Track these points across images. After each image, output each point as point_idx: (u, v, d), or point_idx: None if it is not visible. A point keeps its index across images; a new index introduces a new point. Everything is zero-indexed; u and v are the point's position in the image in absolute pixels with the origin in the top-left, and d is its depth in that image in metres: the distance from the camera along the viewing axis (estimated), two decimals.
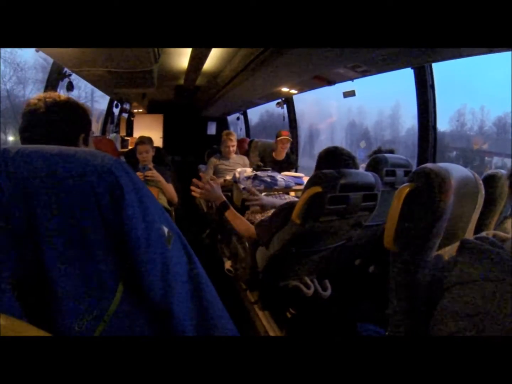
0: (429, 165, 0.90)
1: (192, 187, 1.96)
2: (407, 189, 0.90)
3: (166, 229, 0.60)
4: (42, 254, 0.48)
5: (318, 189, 1.53)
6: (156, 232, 0.58)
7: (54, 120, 1.07)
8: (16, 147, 0.53)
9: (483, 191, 1.03)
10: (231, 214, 2.05)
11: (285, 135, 3.94)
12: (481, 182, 1.03)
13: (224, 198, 2.04)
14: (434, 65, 2.27)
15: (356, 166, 1.73)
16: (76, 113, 1.12)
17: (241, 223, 2.02)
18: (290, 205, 1.71)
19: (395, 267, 0.93)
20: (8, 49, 12.44)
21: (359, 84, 2.92)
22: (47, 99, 1.08)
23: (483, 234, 0.82)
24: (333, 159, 1.71)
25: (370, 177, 1.67)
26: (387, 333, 0.98)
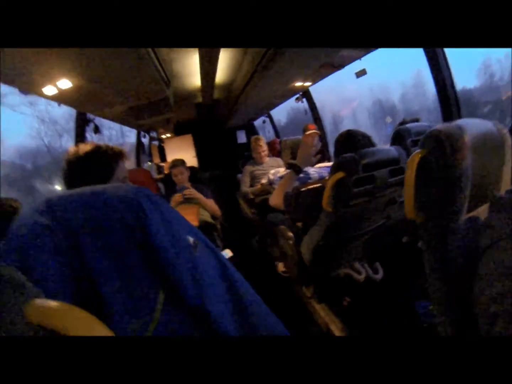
0: (438, 126, 0.86)
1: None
2: (419, 156, 0.87)
3: (191, 239, 0.68)
4: (91, 274, 0.56)
5: (341, 174, 1.53)
6: (182, 243, 0.65)
7: (77, 170, 1.29)
8: (57, 194, 0.62)
9: (509, 141, 0.96)
10: (289, 179, 2.11)
11: (312, 128, 3.85)
12: (506, 132, 0.97)
13: (298, 165, 2.13)
14: None
15: (372, 145, 1.72)
16: (93, 162, 1.31)
17: (282, 190, 2.06)
18: (316, 190, 1.73)
19: (423, 238, 0.90)
20: (43, 107, 13.26)
21: (376, 60, 2.88)
22: (70, 154, 1.31)
23: None
24: (349, 142, 1.72)
25: (393, 151, 1.64)
26: (430, 307, 0.95)
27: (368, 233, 1.93)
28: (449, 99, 2.21)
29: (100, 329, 0.42)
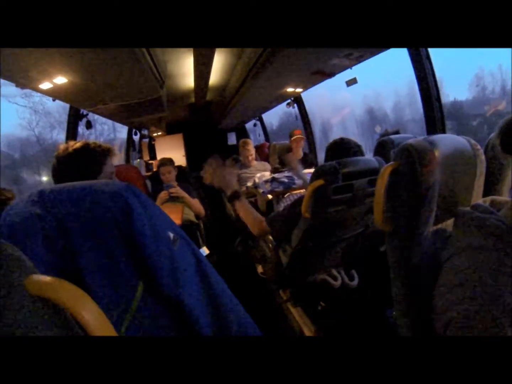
0: (410, 140, 0.89)
1: (202, 172, 1.88)
2: (390, 168, 0.90)
3: (171, 234, 0.73)
4: (77, 263, 0.61)
5: (320, 182, 1.57)
6: (162, 237, 0.71)
7: (66, 167, 1.35)
8: (49, 187, 0.68)
9: (482, 157, 1.00)
10: (242, 206, 1.89)
11: (298, 134, 3.92)
12: (479, 147, 1.00)
13: (237, 188, 1.88)
14: None
15: (362, 154, 1.77)
16: (82, 159, 1.38)
17: (253, 218, 1.90)
18: (301, 201, 1.76)
19: (390, 246, 0.94)
20: (37, 99, 13.17)
21: (372, 68, 2.91)
22: (60, 150, 1.38)
23: (479, 201, 0.82)
24: (340, 150, 1.75)
25: (373, 162, 1.69)
26: (394, 312, 0.99)
27: (346, 240, 1.98)
28: (433, 111, 2.26)
29: (89, 303, 0.47)
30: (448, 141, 0.97)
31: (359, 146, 1.80)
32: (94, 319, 0.46)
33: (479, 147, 1.01)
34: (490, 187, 1.12)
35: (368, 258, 2.18)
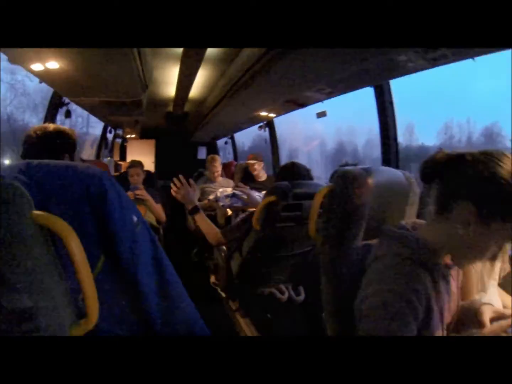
0: (348, 167, 1.04)
1: (172, 185, 2.07)
2: (327, 189, 1.05)
3: (135, 218, 0.86)
4: None
5: (272, 198, 1.74)
6: (128, 218, 0.84)
7: (43, 145, 1.42)
8: (36, 161, 0.79)
9: (416, 189, 1.13)
10: (201, 218, 2.13)
11: (250, 158, 4.12)
12: (413, 181, 1.13)
13: (196, 203, 2.13)
14: (422, 80, 2.30)
15: (311, 178, 1.95)
16: (59, 140, 1.47)
17: (209, 228, 2.12)
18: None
19: (321, 254, 1.06)
20: (20, 78, 12.73)
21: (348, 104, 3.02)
22: (37, 129, 1.45)
23: (402, 222, 0.95)
24: (289, 173, 1.94)
25: (323, 186, 1.85)
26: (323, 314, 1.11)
27: (295, 257, 2.12)
28: (390, 152, 2.44)
29: (75, 237, 0.60)
30: (384, 172, 1.12)
31: (308, 171, 1.99)
32: (78, 251, 0.60)
33: (413, 180, 1.15)
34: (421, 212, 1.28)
35: (316, 276, 2.31)
